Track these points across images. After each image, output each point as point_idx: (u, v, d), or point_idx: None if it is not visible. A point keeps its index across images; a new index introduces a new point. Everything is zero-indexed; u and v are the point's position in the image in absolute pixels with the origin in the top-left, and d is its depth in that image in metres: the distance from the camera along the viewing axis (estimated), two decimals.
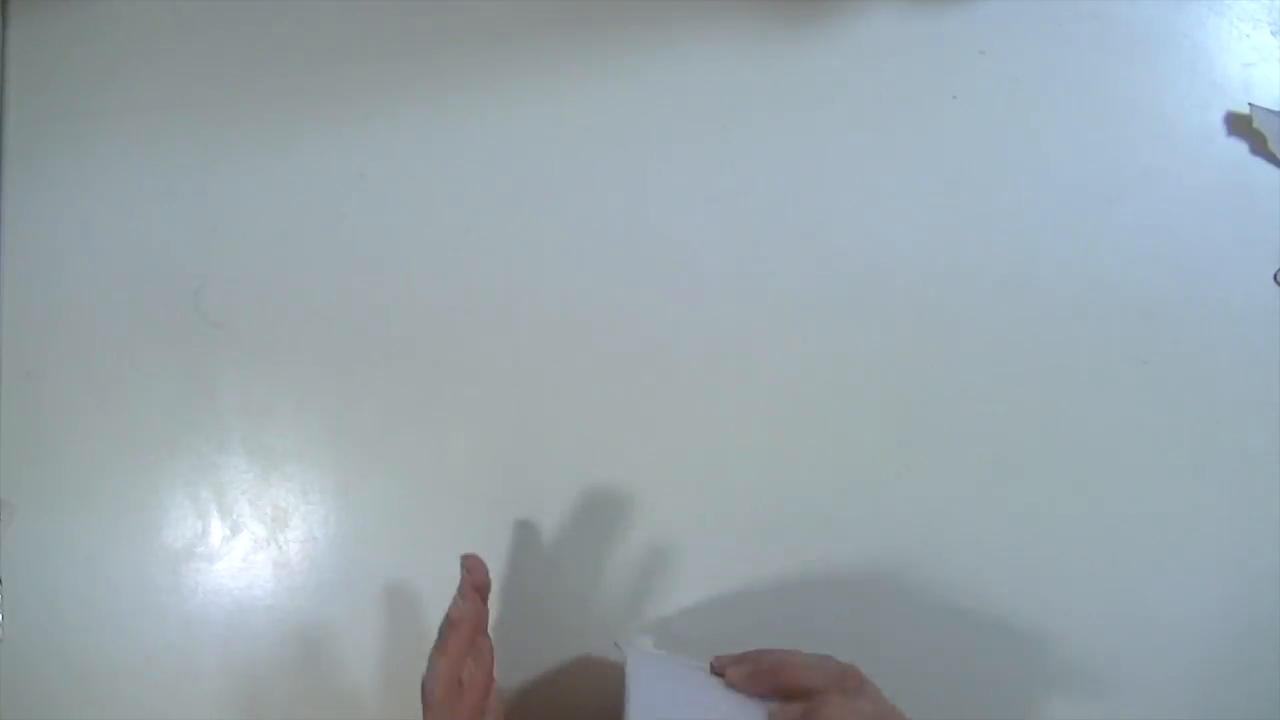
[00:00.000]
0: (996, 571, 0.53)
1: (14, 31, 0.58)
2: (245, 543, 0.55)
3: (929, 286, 0.55)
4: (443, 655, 0.42)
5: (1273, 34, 0.56)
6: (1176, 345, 0.54)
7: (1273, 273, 0.54)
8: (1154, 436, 0.53)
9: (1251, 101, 0.55)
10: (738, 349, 0.54)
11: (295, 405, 0.55)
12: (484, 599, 0.44)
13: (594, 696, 0.52)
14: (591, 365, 0.55)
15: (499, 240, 0.56)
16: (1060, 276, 0.54)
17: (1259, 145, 0.55)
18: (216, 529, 0.55)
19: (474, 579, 0.43)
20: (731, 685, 0.41)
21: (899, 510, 0.53)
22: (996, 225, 0.55)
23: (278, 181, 0.56)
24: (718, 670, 0.42)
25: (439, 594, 0.53)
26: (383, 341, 0.55)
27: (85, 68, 0.58)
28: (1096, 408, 0.53)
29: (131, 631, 0.54)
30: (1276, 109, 0.55)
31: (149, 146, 0.57)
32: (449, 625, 0.42)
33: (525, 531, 0.54)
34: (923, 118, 0.56)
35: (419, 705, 0.53)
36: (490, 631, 0.53)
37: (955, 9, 0.57)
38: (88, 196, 0.57)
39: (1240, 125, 0.55)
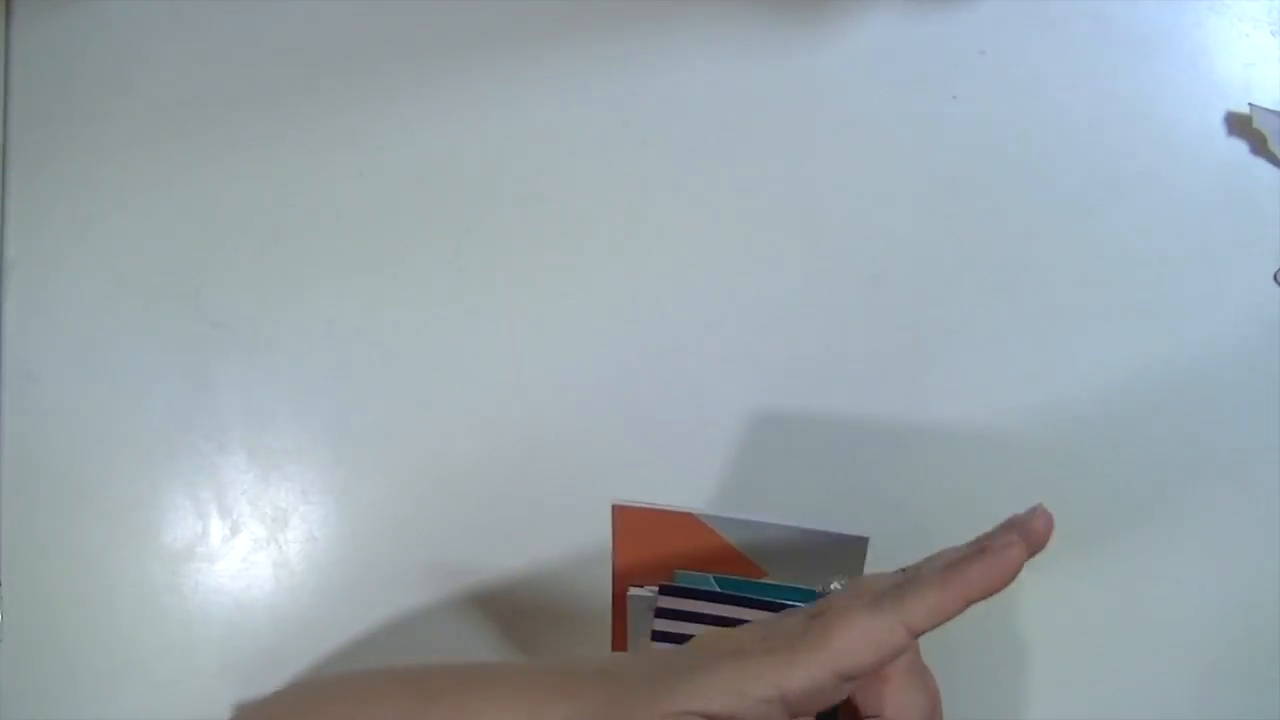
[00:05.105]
0: None
1: (17, 31, 0.58)
2: (245, 543, 0.55)
3: (928, 286, 0.55)
4: None
5: (1273, 34, 0.56)
6: (1176, 345, 0.54)
7: (1273, 273, 0.54)
8: (1153, 437, 0.53)
9: (1251, 101, 0.55)
10: (738, 350, 0.54)
11: (295, 405, 0.55)
12: None
13: None
14: (593, 366, 0.55)
15: (500, 240, 0.56)
16: (1060, 276, 0.54)
17: (1259, 145, 0.54)
18: (216, 529, 0.55)
19: None
20: None
21: (893, 512, 0.53)
22: (996, 225, 0.55)
23: (278, 181, 0.56)
24: None
25: (438, 595, 0.53)
26: (383, 341, 0.55)
27: (87, 67, 0.58)
28: (1095, 408, 0.53)
29: (131, 631, 0.54)
30: (1276, 109, 0.55)
31: (150, 146, 0.57)
32: None
33: (526, 532, 0.54)
34: (923, 118, 0.56)
35: None
36: (488, 634, 0.53)
37: (955, 9, 0.57)
38: (89, 196, 0.57)
39: (1240, 125, 0.55)
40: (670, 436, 0.54)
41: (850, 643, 0.33)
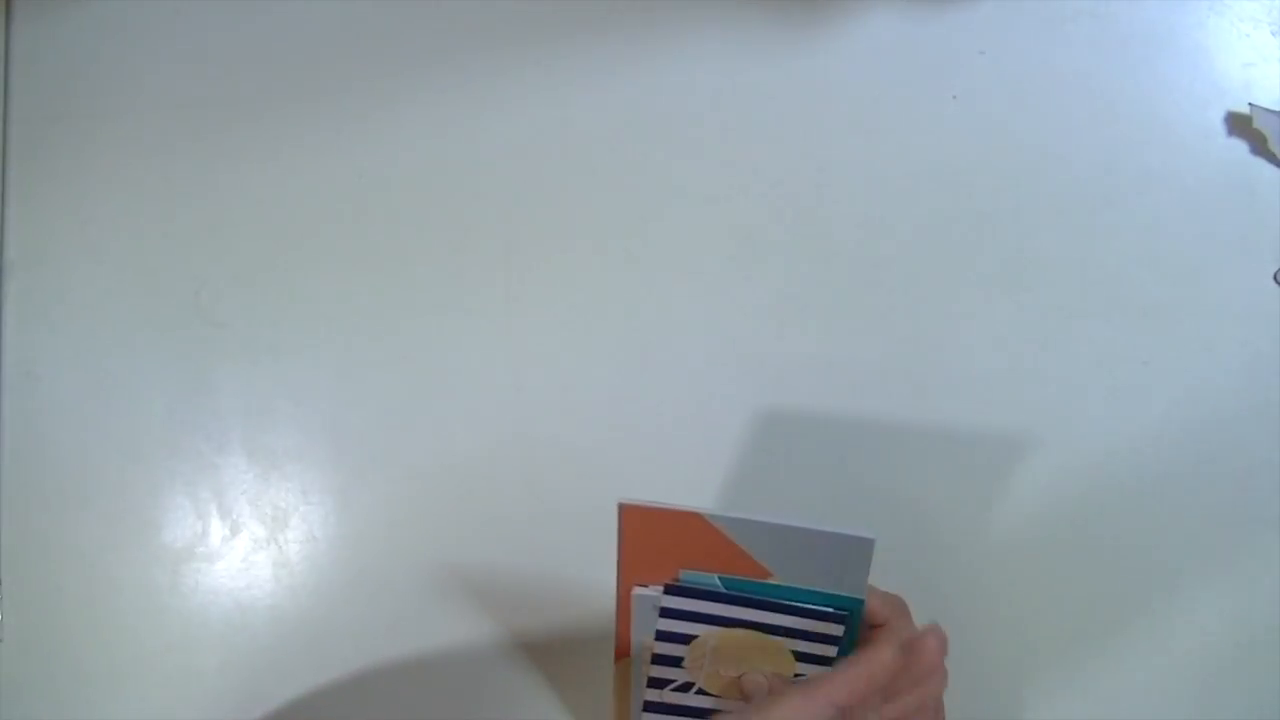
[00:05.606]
0: (994, 573, 0.53)
1: (17, 31, 0.58)
2: (245, 543, 0.55)
3: (929, 287, 0.55)
4: None
5: (1273, 34, 0.56)
6: (1176, 345, 0.54)
7: (1273, 273, 0.54)
8: (1154, 437, 0.53)
9: (1251, 101, 0.55)
10: (741, 350, 0.54)
11: (295, 405, 0.55)
12: None
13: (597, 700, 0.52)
14: (594, 365, 0.55)
15: (499, 240, 0.56)
16: (1060, 276, 0.54)
17: (1259, 145, 0.55)
18: (216, 529, 0.55)
19: None
20: None
21: (897, 511, 0.53)
22: (996, 225, 0.55)
23: (278, 181, 0.56)
24: None
25: (438, 594, 0.53)
26: (383, 341, 0.55)
27: (87, 68, 0.58)
28: (1096, 408, 0.53)
29: (131, 631, 0.54)
30: (1276, 109, 0.55)
31: (149, 146, 0.57)
32: None
33: (528, 532, 0.54)
34: (923, 118, 0.56)
35: (416, 705, 0.53)
36: (490, 634, 0.53)
37: (955, 9, 0.57)
38: (89, 196, 0.57)
39: (1240, 125, 0.55)
40: (673, 436, 0.54)
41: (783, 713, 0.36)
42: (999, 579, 0.52)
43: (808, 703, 0.36)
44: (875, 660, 0.37)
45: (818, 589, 0.40)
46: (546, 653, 0.53)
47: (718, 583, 0.40)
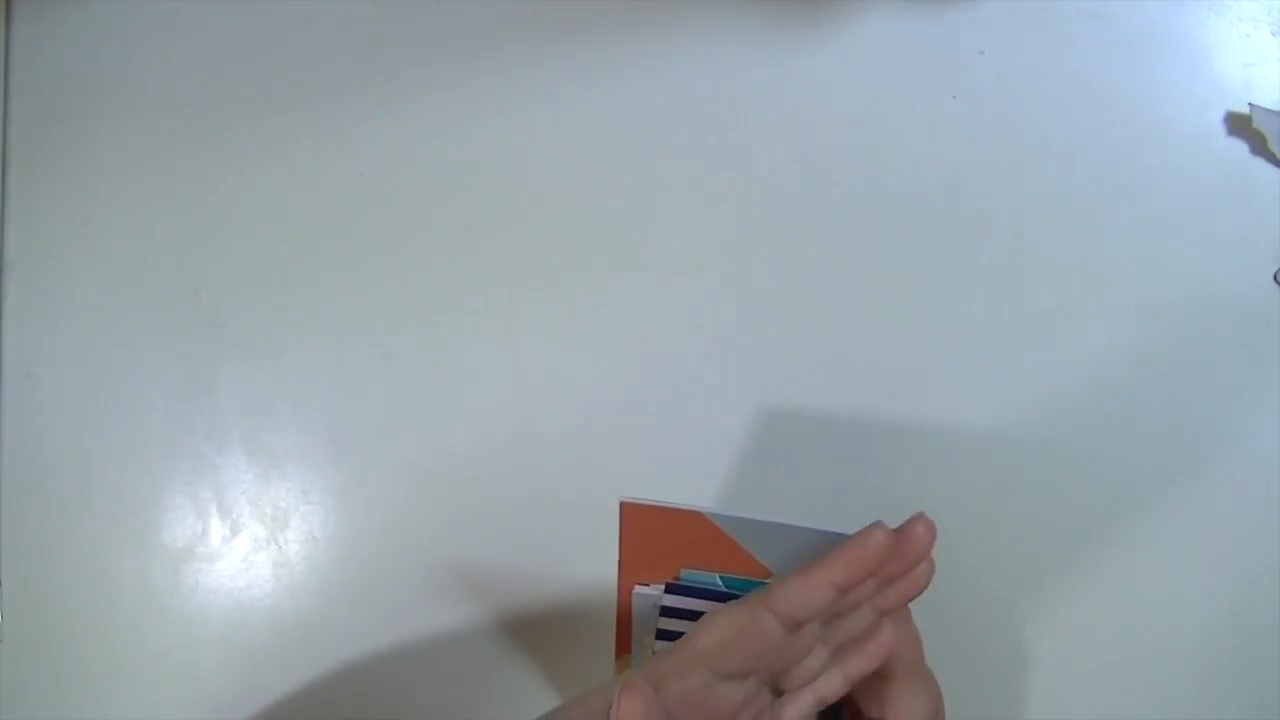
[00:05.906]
0: (994, 573, 0.53)
1: (17, 32, 0.58)
2: (245, 543, 0.55)
3: (928, 286, 0.55)
4: None
5: (1273, 34, 0.56)
6: (1176, 345, 0.54)
7: (1273, 273, 0.54)
8: (1153, 437, 0.53)
9: (1251, 101, 0.55)
10: (739, 351, 0.54)
11: (295, 405, 0.55)
12: None
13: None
14: (594, 365, 0.55)
15: (499, 239, 0.56)
16: (1060, 276, 0.54)
17: (1259, 145, 0.55)
18: (216, 529, 0.55)
19: None
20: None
21: (898, 511, 0.53)
22: (996, 225, 0.55)
23: (278, 181, 0.56)
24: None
25: (438, 594, 0.53)
26: (383, 341, 0.55)
27: (87, 68, 0.58)
28: (1096, 408, 0.53)
29: (131, 631, 0.54)
30: (1276, 109, 0.55)
31: (150, 146, 0.57)
32: None
33: (528, 532, 0.54)
34: (923, 118, 0.56)
35: (417, 705, 0.53)
36: (491, 634, 0.53)
37: (955, 9, 0.57)
38: (89, 196, 0.57)
39: (1240, 125, 0.55)
40: (673, 435, 0.54)
41: (713, 632, 0.36)
42: (999, 579, 0.52)
43: (807, 584, 0.36)
44: (870, 539, 0.37)
45: None
46: (546, 651, 0.53)
47: (718, 582, 0.40)
